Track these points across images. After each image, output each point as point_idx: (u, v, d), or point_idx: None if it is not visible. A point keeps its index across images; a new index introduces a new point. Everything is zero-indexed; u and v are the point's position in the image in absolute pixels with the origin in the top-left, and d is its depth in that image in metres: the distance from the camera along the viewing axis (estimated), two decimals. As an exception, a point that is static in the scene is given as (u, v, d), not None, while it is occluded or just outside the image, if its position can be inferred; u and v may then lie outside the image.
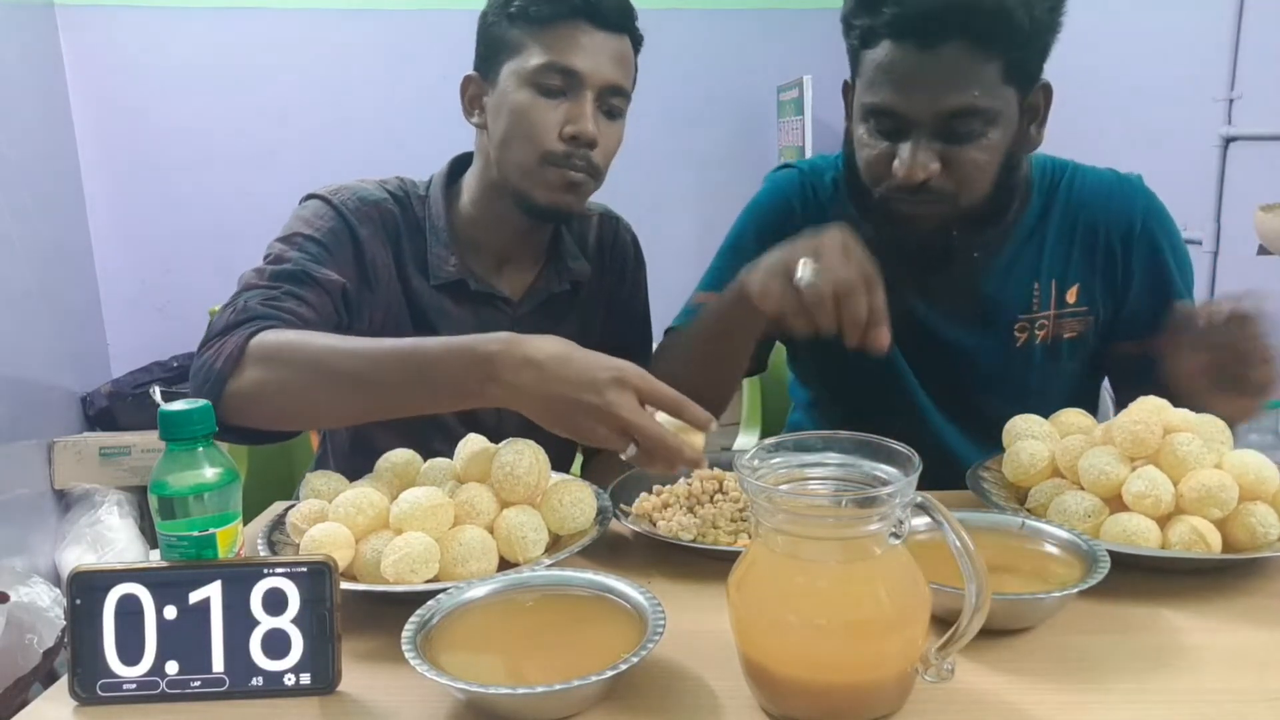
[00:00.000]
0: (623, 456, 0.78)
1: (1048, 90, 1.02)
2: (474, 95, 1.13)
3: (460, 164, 1.19)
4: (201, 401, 0.66)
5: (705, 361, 1.09)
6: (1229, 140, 2.06)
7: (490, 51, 1.09)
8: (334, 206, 1.09)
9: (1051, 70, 1.02)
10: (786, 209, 1.19)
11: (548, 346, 0.80)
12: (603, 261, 1.28)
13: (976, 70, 0.94)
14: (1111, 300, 1.14)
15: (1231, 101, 2.05)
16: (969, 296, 1.13)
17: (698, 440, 0.80)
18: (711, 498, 0.94)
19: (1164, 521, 0.80)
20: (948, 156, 0.97)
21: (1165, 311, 1.11)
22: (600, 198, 1.30)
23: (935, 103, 0.94)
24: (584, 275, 1.23)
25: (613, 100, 1.08)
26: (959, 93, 0.94)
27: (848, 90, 1.08)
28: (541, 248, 1.21)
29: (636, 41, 1.11)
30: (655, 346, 1.23)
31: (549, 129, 1.05)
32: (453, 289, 1.14)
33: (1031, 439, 0.92)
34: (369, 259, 1.09)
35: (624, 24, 1.08)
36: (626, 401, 0.77)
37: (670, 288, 1.38)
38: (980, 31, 0.92)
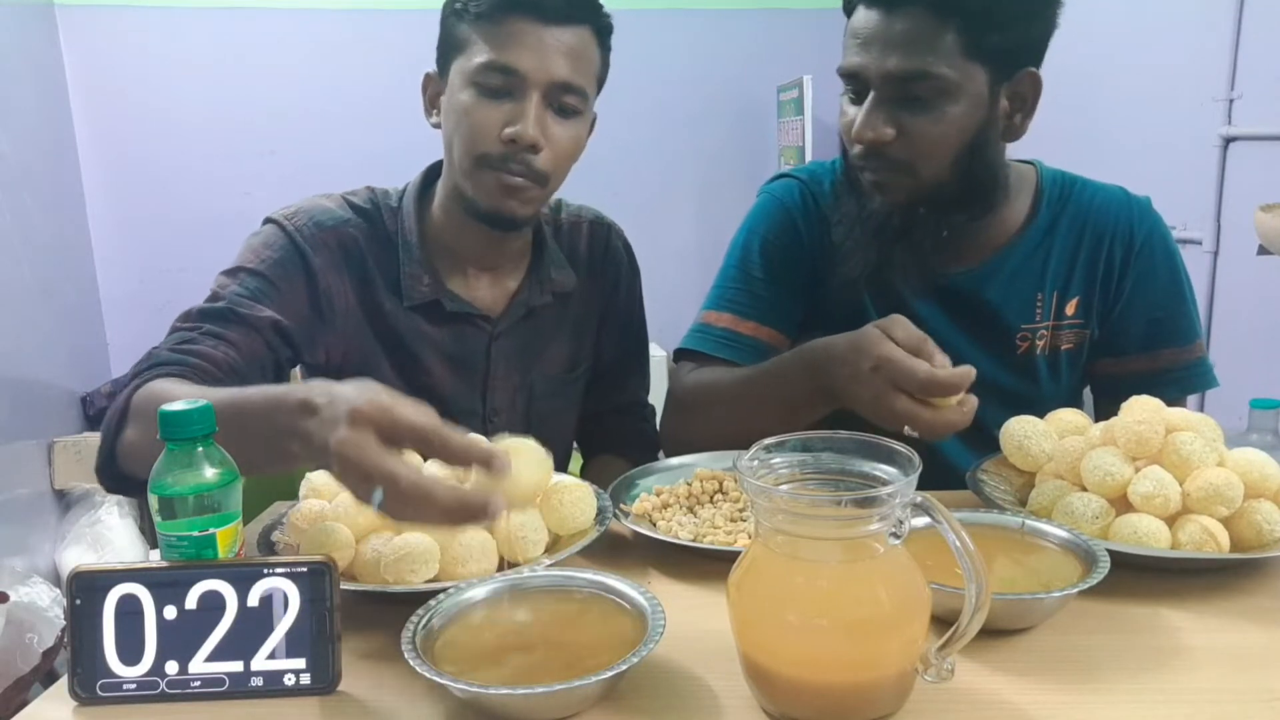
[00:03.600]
0: (371, 506, 0.63)
1: (1035, 81, 1.01)
2: (434, 94, 1.09)
3: (434, 171, 1.14)
4: (201, 401, 0.66)
5: (763, 416, 0.97)
6: (1229, 140, 2.06)
7: (445, 48, 1.06)
8: (288, 234, 1.05)
9: (1051, 69, 1.02)
10: (789, 224, 1.16)
11: (339, 387, 0.67)
12: (594, 271, 1.23)
13: (932, 38, 0.95)
14: (1103, 313, 1.15)
15: (1231, 101, 2.05)
16: (975, 304, 1.12)
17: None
18: (711, 498, 0.94)
19: (1171, 521, 0.80)
20: (903, 124, 0.98)
21: (1145, 332, 1.12)
22: (600, 200, 1.29)
23: (884, 63, 0.96)
24: (569, 286, 1.19)
25: (565, 98, 1.02)
26: (910, 57, 0.95)
27: None
28: (521, 257, 1.16)
29: (601, 30, 1.04)
30: (667, 369, 1.18)
31: (489, 130, 1.00)
32: (427, 310, 1.10)
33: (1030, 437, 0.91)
34: (322, 289, 1.05)
35: (577, 15, 1.01)
36: (356, 439, 0.62)
37: (669, 289, 1.36)
38: (940, 1, 0.94)
